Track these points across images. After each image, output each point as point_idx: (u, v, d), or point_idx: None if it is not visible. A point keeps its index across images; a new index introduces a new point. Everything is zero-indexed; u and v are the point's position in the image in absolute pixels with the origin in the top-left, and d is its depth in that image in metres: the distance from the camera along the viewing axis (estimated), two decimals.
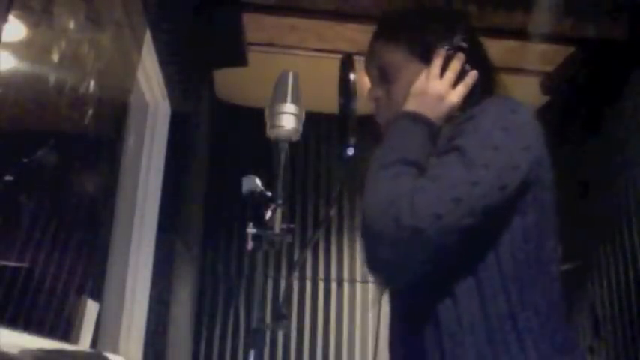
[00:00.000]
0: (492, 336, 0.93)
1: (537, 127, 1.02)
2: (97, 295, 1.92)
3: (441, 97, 1.07)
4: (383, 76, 1.16)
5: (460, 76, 1.09)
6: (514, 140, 0.97)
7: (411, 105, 1.07)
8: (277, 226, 1.11)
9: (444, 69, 1.09)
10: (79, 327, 1.68)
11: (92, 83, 1.71)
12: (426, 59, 1.10)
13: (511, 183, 0.94)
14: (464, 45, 1.10)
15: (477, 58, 1.12)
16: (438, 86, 1.07)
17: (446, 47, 1.10)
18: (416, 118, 1.05)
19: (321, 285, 3.70)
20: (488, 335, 0.93)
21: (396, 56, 1.14)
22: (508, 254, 0.96)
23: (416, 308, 1.02)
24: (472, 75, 1.09)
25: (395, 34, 1.16)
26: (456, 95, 1.08)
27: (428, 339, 0.97)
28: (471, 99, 1.09)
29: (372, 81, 1.19)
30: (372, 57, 1.19)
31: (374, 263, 0.97)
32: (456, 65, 1.09)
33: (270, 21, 2.94)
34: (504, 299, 0.95)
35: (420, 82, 1.09)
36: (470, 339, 0.94)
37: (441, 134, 1.05)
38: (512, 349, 0.93)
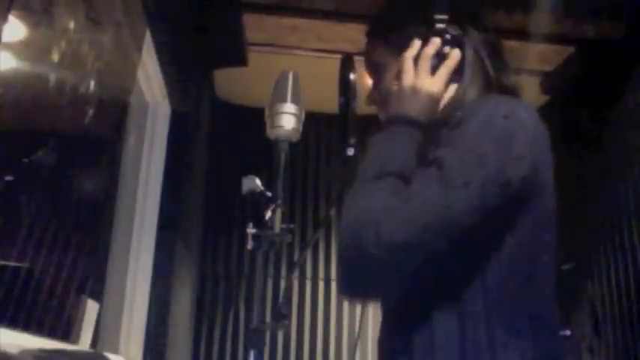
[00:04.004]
0: (480, 353, 0.87)
1: (535, 130, 0.93)
2: (97, 295, 1.92)
3: (415, 90, 1.00)
4: (377, 78, 1.14)
5: (442, 61, 1.02)
6: (504, 151, 0.88)
7: (392, 107, 1.02)
8: (277, 226, 1.11)
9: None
10: (79, 327, 1.68)
11: (92, 83, 1.71)
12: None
13: (494, 200, 0.86)
14: (439, 27, 1.02)
15: (468, 41, 1.04)
16: (409, 80, 1.01)
17: (419, 36, 1.03)
18: (397, 121, 0.99)
19: (321, 285, 3.70)
20: (475, 352, 0.88)
21: (381, 54, 1.11)
22: (496, 278, 0.90)
23: (396, 324, 0.99)
24: (454, 56, 1.01)
25: (378, 32, 1.13)
26: (436, 82, 1.00)
27: (402, 356, 0.94)
28: (469, 81, 1.02)
29: (371, 80, 1.17)
30: (366, 57, 1.17)
31: (342, 287, 0.95)
32: (427, 51, 1.01)
33: (270, 21, 2.94)
34: (485, 327, 0.88)
35: (395, 81, 1.04)
36: (454, 352, 0.88)
37: (434, 130, 0.99)
38: None
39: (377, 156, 0.97)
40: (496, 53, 1.09)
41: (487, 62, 1.06)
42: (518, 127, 0.91)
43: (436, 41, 1.02)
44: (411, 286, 0.91)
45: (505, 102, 0.97)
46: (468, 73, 1.04)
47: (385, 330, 1.04)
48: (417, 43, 1.03)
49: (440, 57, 1.03)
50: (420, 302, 0.93)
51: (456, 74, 1.03)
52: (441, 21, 1.03)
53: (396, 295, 0.96)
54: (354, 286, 0.94)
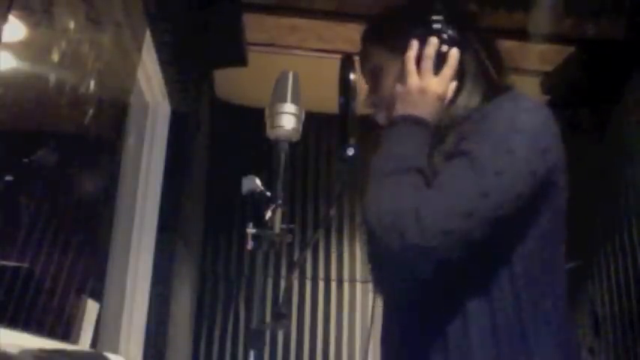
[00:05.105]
0: (500, 348, 0.89)
1: (553, 127, 0.97)
2: (97, 295, 1.92)
3: (422, 91, 1.02)
4: (373, 82, 1.15)
5: (442, 61, 1.04)
6: (530, 143, 0.91)
7: (399, 108, 1.03)
8: (277, 226, 1.11)
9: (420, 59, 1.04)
10: (79, 327, 1.68)
11: (92, 83, 1.71)
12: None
13: (525, 190, 0.89)
14: (436, 27, 1.04)
15: (467, 40, 1.06)
16: (416, 80, 1.03)
17: (417, 37, 1.05)
18: (406, 121, 1.01)
19: (321, 285, 3.70)
20: (496, 347, 0.89)
21: (380, 57, 1.13)
22: (521, 268, 0.91)
23: (424, 322, 0.97)
24: (453, 55, 1.03)
25: (376, 35, 1.15)
26: (440, 82, 1.02)
27: (434, 354, 0.93)
28: (470, 81, 1.04)
29: (367, 84, 1.18)
30: (362, 61, 1.18)
31: (379, 280, 0.94)
32: (429, 52, 1.03)
33: (270, 21, 2.94)
34: (516, 316, 0.90)
35: (399, 82, 1.05)
36: (477, 351, 0.89)
37: (451, 132, 1.00)
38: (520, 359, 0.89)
39: (393, 152, 0.98)
40: (494, 54, 1.10)
41: (488, 63, 1.08)
42: (543, 121, 0.96)
43: (434, 41, 1.04)
44: (444, 278, 0.90)
45: (526, 99, 1.00)
46: (471, 71, 1.05)
47: (402, 328, 1.02)
48: (415, 44, 1.05)
49: (439, 56, 1.04)
50: (452, 295, 0.93)
51: (458, 73, 1.05)
52: (438, 21, 1.05)
53: (428, 290, 0.93)
54: (395, 280, 0.92)
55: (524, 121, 0.94)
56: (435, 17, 1.05)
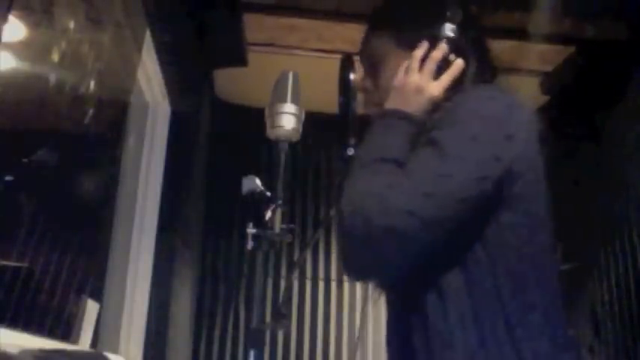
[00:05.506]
0: (484, 336, 0.88)
1: (522, 115, 0.97)
2: (97, 295, 1.92)
3: (419, 90, 1.03)
4: (372, 67, 1.15)
5: (444, 67, 1.05)
6: (494, 129, 0.93)
7: (391, 101, 1.04)
8: (277, 226, 1.11)
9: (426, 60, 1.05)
10: (79, 327, 1.69)
11: (92, 83, 1.71)
12: (412, 50, 1.07)
13: (491, 175, 0.90)
14: (449, 34, 1.06)
15: (471, 50, 1.08)
16: (415, 79, 1.04)
17: (428, 37, 1.06)
18: (395, 115, 1.02)
19: (321, 285, 3.70)
20: (479, 335, 0.89)
21: (383, 47, 1.13)
22: (497, 249, 0.92)
23: (406, 305, 0.98)
24: (457, 64, 1.05)
25: (383, 24, 1.15)
26: (438, 86, 1.04)
27: (417, 337, 0.93)
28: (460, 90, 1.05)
29: (364, 72, 1.18)
30: (363, 48, 1.18)
31: (347, 263, 0.94)
32: (436, 55, 1.05)
33: (270, 21, 2.94)
34: (496, 295, 0.90)
35: (398, 77, 1.06)
36: (459, 338, 0.89)
37: (426, 126, 1.01)
38: (505, 350, 0.88)
39: (375, 144, 0.99)
40: (489, 56, 1.13)
41: (485, 68, 1.10)
42: (506, 108, 0.97)
43: (444, 47, 1.05)
44: (421, 264, 0.91)
45: (491, 87, 1.03)
46: (470, 76, 1.07)
47: (394, 320, 1.03)
48: (425, 45, 1.06)
49: (443, 62, 1.05)
50: (429, 275, 0.93)
51: (456, 82, 1.06)
52: (452, 28, 1.07)
53: (401, 273, 0.94)
54: (361, 263, 0.92)
55: (488, 108, 0.96)
56: (450, 24, 1.07)
